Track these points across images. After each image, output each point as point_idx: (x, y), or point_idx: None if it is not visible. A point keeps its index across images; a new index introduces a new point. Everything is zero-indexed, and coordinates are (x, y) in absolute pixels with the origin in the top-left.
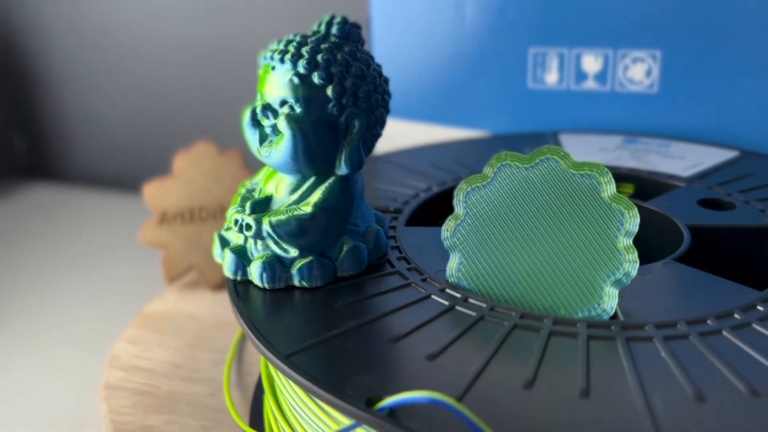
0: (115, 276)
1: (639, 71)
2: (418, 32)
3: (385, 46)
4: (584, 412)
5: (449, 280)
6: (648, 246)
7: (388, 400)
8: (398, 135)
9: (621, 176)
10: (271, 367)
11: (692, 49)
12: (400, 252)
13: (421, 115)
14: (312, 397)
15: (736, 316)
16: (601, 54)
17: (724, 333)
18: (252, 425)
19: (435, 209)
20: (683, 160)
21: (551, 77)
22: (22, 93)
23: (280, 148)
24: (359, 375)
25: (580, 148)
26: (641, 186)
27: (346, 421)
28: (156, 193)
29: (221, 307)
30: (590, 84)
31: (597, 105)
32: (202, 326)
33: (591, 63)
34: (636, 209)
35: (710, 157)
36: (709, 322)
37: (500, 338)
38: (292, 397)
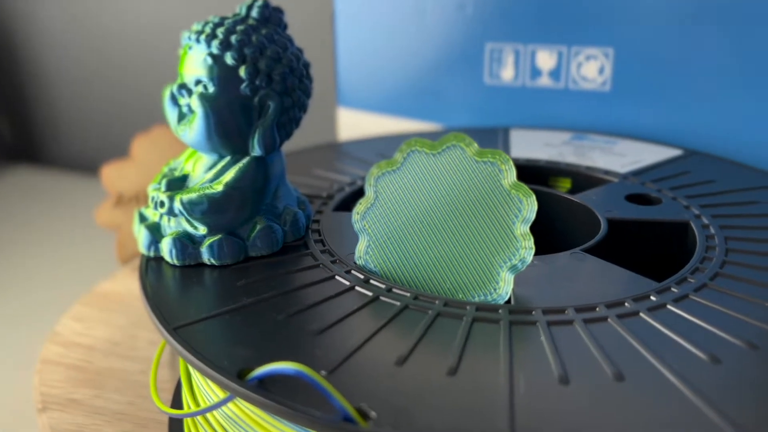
0: (77, 256)
1: (592, 69)
2: (381, 27)
3: (349, 40)
4: (446, 389)
5: (357, 262)
6: (568, 237)
7: (257, 371)
8: (359, 125)
9: (559, 171)
10: None
11: (644, 48)
12: (320, 235)
13: (382, 107)
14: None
15: (626, 305)
16: (555, 51)
17: (609, 321)
18: (174, 402)
19: None
20: (624, 157)
21: (507, 73)
22: (7, 78)
23: (193, 127)
24: (241, 348)
25: (527, 143)
26: (578, 180)
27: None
28: (113, 175)
29: None
30: (545, 81)
31: (551, 102)
32: None
33: (545, 60)
34: (534, 197)
35: (652, 155)
36: (597, 309)
37: (389, 317)
38: (197, 376)
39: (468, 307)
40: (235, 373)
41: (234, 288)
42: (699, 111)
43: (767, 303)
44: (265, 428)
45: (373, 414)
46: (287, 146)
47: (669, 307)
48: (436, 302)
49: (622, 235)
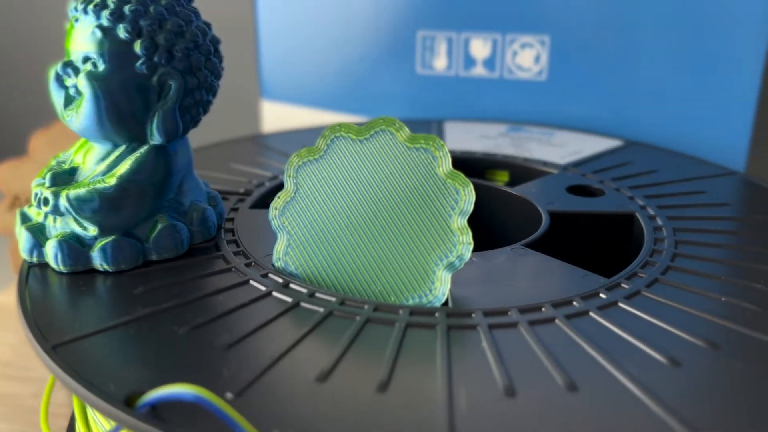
0: None
1: (528, 57)
2: (305, 14)
3: (271, 29)
4: (376, 407)
5: (275, 264)
6: (508, 232)
7: (148, 396)
8: (284, 119)
9: (496, 163)
10: None
11: (581, 36)
12: (234, 234)
13: (309, 100)
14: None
15: (574, 304)
16: (490, 39)
17: (557, 322)
18: (70, 430)
19: None
20: (563, 148)
21: (440, 63)
22: None
23: (82, 111)
24: (133, 369)
25: (462, 135)
26: (516, 173)
27: None
28: (8, 175)
29: None
30: (479, 70)
31: (486, 92)
32: None
33: (479, 48)
34: (471, 186)
35: (592, 145)
36: (543, 310)
37: (311, 325)
38: None
39: (401, 312)
40: (122, 399)
41: (130, 297)
42: (638, 100)
43: (724, 297)
44: None
45: None
46: (202, 141)
47: (621, 305)
48: (365, 307)
49: (565, 229)
